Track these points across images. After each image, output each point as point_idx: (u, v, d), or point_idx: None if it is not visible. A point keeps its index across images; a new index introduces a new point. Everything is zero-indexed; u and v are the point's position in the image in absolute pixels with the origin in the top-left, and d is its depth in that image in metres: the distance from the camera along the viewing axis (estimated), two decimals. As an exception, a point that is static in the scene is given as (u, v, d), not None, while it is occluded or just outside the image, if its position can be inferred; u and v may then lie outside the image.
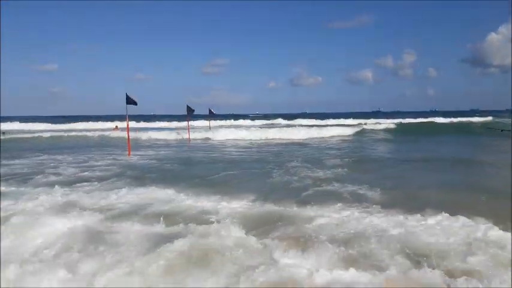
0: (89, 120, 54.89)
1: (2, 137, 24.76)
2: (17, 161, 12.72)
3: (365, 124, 35.51)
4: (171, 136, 25.06)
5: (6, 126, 41.44)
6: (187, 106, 29.40)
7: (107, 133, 26.55)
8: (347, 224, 5.30)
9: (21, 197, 6.99)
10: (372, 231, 4.93)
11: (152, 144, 20.30)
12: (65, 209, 6.09)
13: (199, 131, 28.69)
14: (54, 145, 19.97)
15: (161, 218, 5.40)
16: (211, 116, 35.01)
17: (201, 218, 5.68)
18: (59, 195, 7.08)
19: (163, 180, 8.88)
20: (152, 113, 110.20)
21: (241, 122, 56.03)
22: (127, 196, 7.10)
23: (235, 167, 11.07)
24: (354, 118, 53.54)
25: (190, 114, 30.40)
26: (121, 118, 45.87)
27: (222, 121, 52.53)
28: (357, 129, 28.30)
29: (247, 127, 33.77)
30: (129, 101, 14.58)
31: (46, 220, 5.34)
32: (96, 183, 8.65)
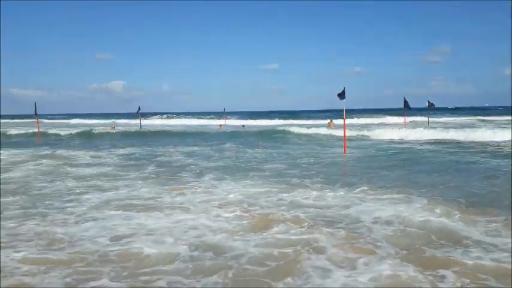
0: (308, 116, 57.99)
1: (243, 130, 27.77)
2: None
3: None
4: (389, 134, 22.43)
5: (246, 122, 47.46)
6: (405, 100, 26.81)
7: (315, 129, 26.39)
8: None
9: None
10: None
11: (365, 142, 19.02)
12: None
13: (418, 126, 25.50)
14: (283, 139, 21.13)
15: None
16: (430, 109, 31.17)
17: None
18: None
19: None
20: (361, 107, 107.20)
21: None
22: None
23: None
24: None
25: (408, 109, 27.67)
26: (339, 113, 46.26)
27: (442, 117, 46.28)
28: None
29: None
30: (342, 95, 13.83)
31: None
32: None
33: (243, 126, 33.32)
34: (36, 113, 24.60)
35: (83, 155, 13.73)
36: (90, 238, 4.86)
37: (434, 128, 24.43)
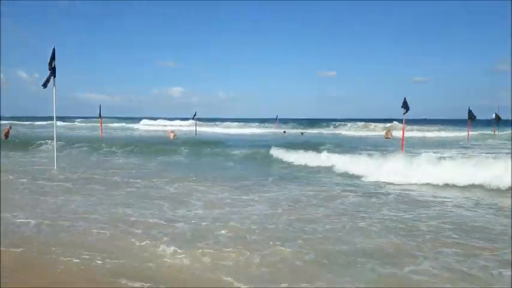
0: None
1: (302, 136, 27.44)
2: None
3: None
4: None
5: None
6: (469, 110, 25.82)
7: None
8: None
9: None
10: None
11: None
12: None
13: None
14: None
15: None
16: (497, 122, 29.73)
17: None
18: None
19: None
20: (423, 117, 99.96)
21: None
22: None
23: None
24: None
25: (472, 120, 26.38)
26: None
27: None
28: None
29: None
30: (405, 105, 14.40)
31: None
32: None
33: (302, 133, 33.14)
34: (100, 115, 25.77)
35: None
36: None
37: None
